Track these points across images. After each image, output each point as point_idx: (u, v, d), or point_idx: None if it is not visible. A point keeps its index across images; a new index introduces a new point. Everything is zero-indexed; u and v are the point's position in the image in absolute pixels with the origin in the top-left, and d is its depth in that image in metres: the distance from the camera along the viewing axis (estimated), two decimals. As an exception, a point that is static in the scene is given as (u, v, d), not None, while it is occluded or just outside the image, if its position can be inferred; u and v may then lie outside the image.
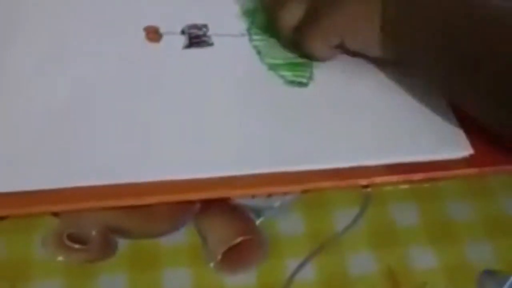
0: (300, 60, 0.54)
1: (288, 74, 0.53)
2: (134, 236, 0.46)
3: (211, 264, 0.45)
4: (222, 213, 0.47)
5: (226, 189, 0.46)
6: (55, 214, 0.46)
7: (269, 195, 0.48)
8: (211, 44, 0.55)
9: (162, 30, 0.55)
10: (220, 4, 0.57)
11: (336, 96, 0.51)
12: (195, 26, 0.56)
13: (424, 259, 0.46)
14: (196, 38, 0.55)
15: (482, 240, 0.47)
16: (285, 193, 0.48)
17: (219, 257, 0.44)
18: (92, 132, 0.48)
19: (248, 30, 0.56)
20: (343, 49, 0.52)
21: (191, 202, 0.47)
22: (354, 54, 0.52)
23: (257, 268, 0.45)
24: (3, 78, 0.51)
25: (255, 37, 0.56)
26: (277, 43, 0.55)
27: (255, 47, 0.55)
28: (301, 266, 0.45)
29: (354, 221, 0.47)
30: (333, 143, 0.48)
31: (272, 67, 0.53)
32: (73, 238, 0.45)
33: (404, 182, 0.49)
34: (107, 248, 0.45)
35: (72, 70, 0.52)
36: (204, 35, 0.55)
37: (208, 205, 0.47)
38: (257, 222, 0.47)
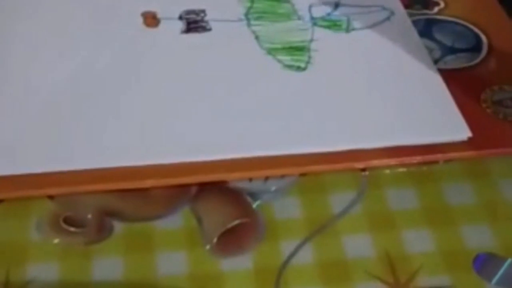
0: (298, 44, 0.54)
1: (286, 58, 0.53)
2: (130, 219, 0.45)
3: (207, 247, 0.44)
4: (218, 196, 0.47)
5: (223, 172, 0.46)
6: (51, 197, 0.45)
7: (266, 179, 0.47)
8: (209, 29, 0.55)
9: (159, 16, 0.55)
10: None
11: (334, 80, 0.51)
12: (192, 11, 0.56)
13: (421, 242, 0.45)
14: (194, 23, 0.55)
15: (479, 223, 0.47)
16: (282, 177, 0.47)
17: (215, 240, 0.44)
18: (88, 116, 0.48)
19: (246, 15, 0.56)
20: None
21: (187, 186, 0.46)
22: None
23: (253, 251, 0.45)
24: None
25: (253, 22, 0.55)
26: (275, 28, 0.55)
27: (253, 32, 0.55)
28: (297, 249, 0.45)
29: (351, 204, 0.47)
30: (331, 126, 0.48)
31: (271, 52, 0.53)
32: (69, 221, 0.45)
33: (402, 165, 0.48)
34: (102, 231, 0.45)
35: (70, 56, 0.52)
36: (202, 20, 0.55)
37: (204, 188, 0.46)
38: (254, 205, 0.47)
